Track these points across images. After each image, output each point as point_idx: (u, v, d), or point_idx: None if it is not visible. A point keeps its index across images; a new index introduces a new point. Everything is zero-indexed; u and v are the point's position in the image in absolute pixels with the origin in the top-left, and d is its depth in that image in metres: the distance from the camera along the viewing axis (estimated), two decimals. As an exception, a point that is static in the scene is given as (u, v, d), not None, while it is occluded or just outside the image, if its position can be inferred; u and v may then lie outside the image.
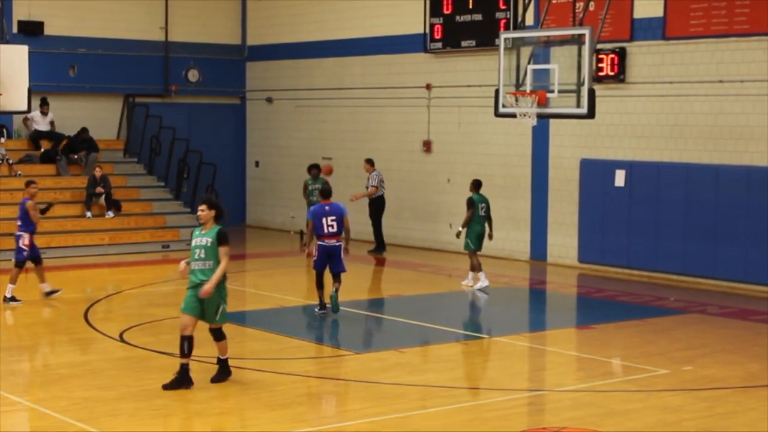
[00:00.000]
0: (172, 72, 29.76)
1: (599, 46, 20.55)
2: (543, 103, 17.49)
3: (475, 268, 20.07)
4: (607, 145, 22.38)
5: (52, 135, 27.24)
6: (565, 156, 23.12)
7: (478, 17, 24.33)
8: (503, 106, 18.24)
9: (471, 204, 20.02)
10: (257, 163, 30.95)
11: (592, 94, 17.09)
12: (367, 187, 25.00)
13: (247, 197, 31.22)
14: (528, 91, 17.68)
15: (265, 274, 20.24)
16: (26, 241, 18.16)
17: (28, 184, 18.70)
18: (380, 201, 25.09)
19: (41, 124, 27.14)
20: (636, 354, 14.83)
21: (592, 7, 20.07)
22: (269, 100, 30.35)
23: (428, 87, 25.84)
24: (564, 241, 22.97)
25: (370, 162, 25.12)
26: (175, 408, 11.83)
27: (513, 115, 18.07)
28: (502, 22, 23.67)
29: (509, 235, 24.01)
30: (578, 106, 17.24)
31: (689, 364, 14.17)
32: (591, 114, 17.28)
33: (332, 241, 16.98)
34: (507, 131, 23.74)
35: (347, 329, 16.73)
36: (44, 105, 26.98)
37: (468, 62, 24.86)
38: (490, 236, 20.28)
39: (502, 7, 23.74)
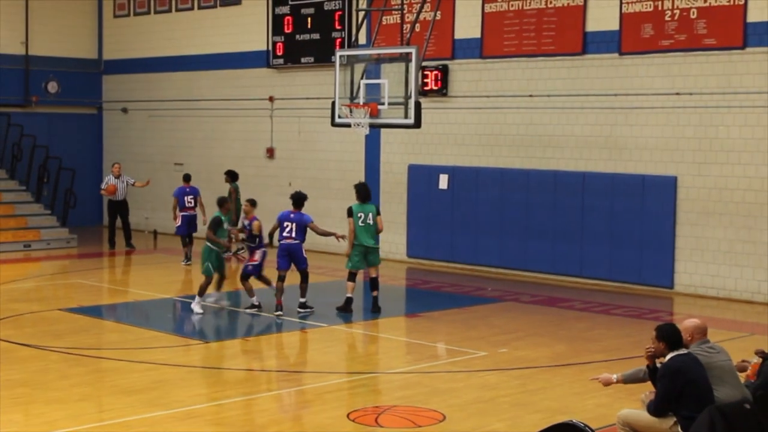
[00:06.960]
0: (32, 84, 28.86)
1: (424, 64, 20.75)
2: (375, 114, 17.53)
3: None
4: (432, 152, 22.62)
5: None
6: (394, 162, 23.28)
7: (316, 36, 24.31)
8: (339, 116, 18.22)
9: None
10: (113, 168, 30.22)
11: (418, 106, 17.21)
12: (133, 184, 24.95)
13: (105, 199, 30.41)
14: (361, 103, 17.72)
15: (121, 270, 19.83)
16: None
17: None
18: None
19: None
20: (458, 339, 15.02)
21: (418, 28, 20.26)
22: (124, 110, 29.74)
23: (271, 99, 25.70)
24: (394, 239, 23.11)
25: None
26: (36, 396, 11.47)
27: (348, 125, 18.07)
28: (338, 40, 23.71)
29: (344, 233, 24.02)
30: (406, 116, 17.32)
31: (505, 347, 14.42)
32: (417, 124, 17.39)
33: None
34: (342, 139, 23.77)
35: (198, 322, 16.47)
36: None
37: (307, 77, 24.81)
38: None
39: (338, 27, 23.80)
